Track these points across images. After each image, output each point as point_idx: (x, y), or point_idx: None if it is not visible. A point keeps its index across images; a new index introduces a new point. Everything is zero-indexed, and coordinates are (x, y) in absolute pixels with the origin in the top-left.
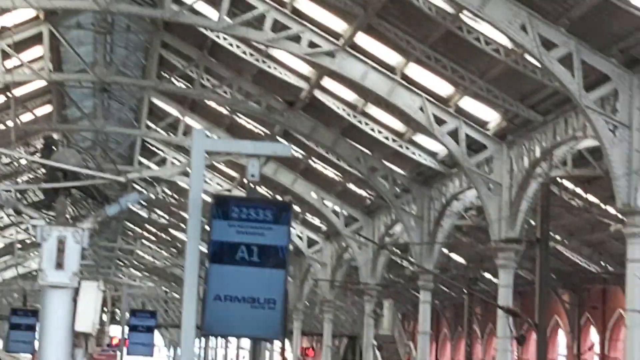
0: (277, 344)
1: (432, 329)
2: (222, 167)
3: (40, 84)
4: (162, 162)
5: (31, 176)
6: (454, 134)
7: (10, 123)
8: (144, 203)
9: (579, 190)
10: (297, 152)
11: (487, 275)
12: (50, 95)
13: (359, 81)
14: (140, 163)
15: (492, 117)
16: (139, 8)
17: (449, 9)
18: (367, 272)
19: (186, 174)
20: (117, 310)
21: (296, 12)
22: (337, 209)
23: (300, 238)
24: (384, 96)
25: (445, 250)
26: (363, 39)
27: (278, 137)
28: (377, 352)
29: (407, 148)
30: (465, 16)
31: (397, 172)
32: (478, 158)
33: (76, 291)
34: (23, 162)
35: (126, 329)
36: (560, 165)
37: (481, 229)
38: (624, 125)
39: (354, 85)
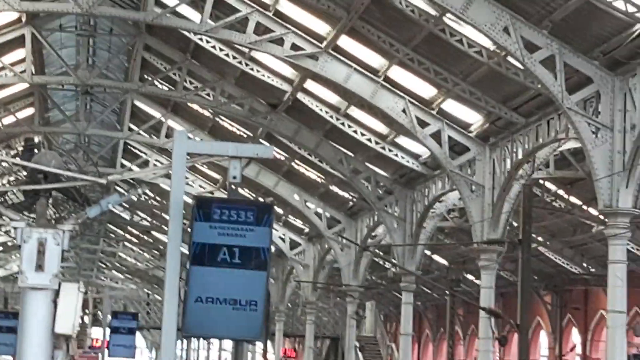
0: (259, 345)
1: (415, 330)
2: (205, 169)
3: (23, 86)
4: (144, 164)
5: (12, 178)
6: (436, 136)
7: None
8: (126, 205)
9: (561, 191)
10: (280, 155)
11: (469, 276)
12: (33, 97)
13: (341, 84)
14: (122, 165)
15: (474, 119)
16: (122, 11)
17: (431, 11)
18: (350, 274)
19: (168, 176)
20: (99, 313)
21: (279, 14)
22: (319, 210)
23: (282, 240)
24: (366, 98)
25: (427, 252)
26: (346, 42)
27: (261, 140)
28: (359, 354)
29: (390, 150)
30: (448, 18)
31: (379, 174)
32: (460, 160)
33: (56, 293)
34: (4, 164)
35: (108, 330)
36: (542, 167)
37: (463, 230)
38: (606, 127)
39: (337, 88)
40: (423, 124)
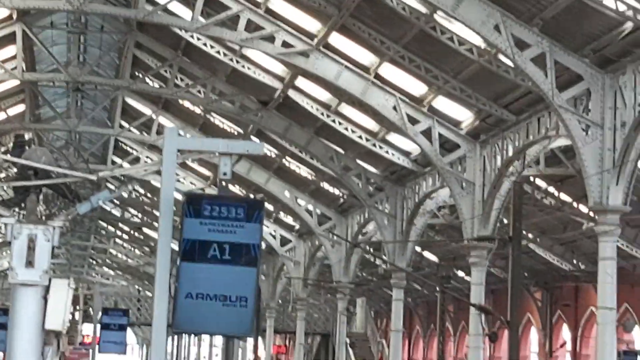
0: (250, 342)
1: (405, 327)
2: (196, 166)
3: (14, 83)
4: (135, 161)
5: (2, 175)
6: (427, 133)
7: None
8: (117, 202)
9: (551, 189)
10: (271, 152)
11: (460, 273)
12: (24, 94)
13: (332, 81)
14: (113, 162)
15: (465, 117)
16: (113, 8)
17: (422, 9)
18: (340, 271)
19: (159, 173)
20: (90, 309)
21: (270, 12)
22: (310, 207)
23: (273, 237)
24: (357, 96)
25: (418, 249)
26: (337, 39)
27: (252, 137)
28: (350, 350)
29: (381, 147)
30: (439, 16)
31: (370, 171)
32: (451, 157)
33: (47, 289)
34: None
35: (98, 327)
36: (532, 164)
37: (454, 227)
38: (596, 125)
39: (328, 85)
40: (414, 121)
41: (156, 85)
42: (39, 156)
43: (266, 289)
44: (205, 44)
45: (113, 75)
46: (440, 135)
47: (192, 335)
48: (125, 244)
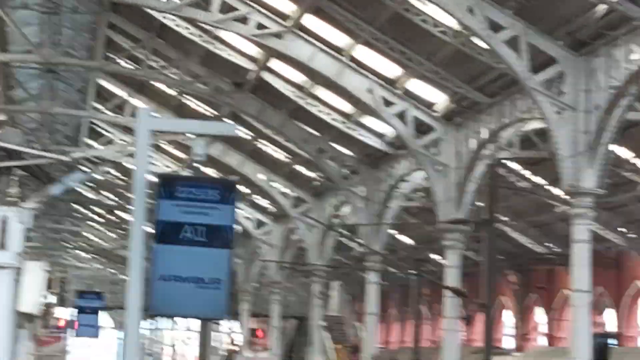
0: (226, 325)
1: (380, 310)
2: (170, 148)
3: None
4: (109, 143)
5: None
6: (401, 116)
7: None
8: (91, 185)
9: (525, 172)
10: (245, 134)
11: (435, 256)
12: None
13: (306, 63)
14: (87, 144)
15: (439, 99)
16: None
17: None
18: (315, 254)
19: (133, 155)
20: (65, 293)
21: None
22: (285, 190)
23: (248, 219)
24: (331, 78)
25: (393, 232)
26: (311, 21)
27: (226, 119)
28: (326, 333)
29: (355, 130)
30: None
31: (345, 154)
32: (425, 140)
33: (19, 271)
34: None
35: (74, 311)
36: (506, 147)
37: (429, 210)
38: (570, 107)
39: (302, 67)
40: (388, 103)
41: (130, 67)
42: (12, 138)
43: (241, 272)
44: (178, 26)
45: (86, 56)
46: (414, 117)
47: (167, 318)
48: (99, 227)
